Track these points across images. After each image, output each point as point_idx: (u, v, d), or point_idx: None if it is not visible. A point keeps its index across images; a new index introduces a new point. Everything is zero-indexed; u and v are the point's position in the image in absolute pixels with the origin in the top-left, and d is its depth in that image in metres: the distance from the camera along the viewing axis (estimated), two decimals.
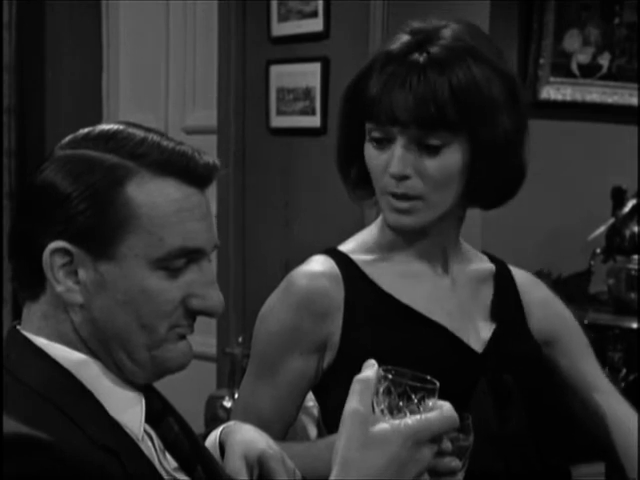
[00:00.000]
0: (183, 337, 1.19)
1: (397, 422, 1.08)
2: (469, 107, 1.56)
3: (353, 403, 1.09)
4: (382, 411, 1.09)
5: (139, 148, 1.15)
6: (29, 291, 1.18)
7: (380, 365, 1.13)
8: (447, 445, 1.32)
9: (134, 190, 1.13)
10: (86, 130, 1.19)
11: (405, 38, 1.60)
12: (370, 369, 1.12)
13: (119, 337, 1.15)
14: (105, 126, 1.19)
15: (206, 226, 1.18)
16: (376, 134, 1.60)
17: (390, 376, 1.11)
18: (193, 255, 1.16)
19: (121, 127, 1.18)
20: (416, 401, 1.09)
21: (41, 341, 1.17)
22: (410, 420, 1.08)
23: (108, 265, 1.13)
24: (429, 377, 1.11)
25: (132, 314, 1.14)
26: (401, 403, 1.09)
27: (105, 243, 1.13)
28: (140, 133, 1.17)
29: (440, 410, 1.09)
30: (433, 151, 1.58)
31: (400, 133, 1.57)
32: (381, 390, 1.10)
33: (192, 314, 1.18)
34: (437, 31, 1.60)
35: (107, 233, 1.13)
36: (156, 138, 1.17)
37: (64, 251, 1.13)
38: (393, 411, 1.09)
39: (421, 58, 1.57)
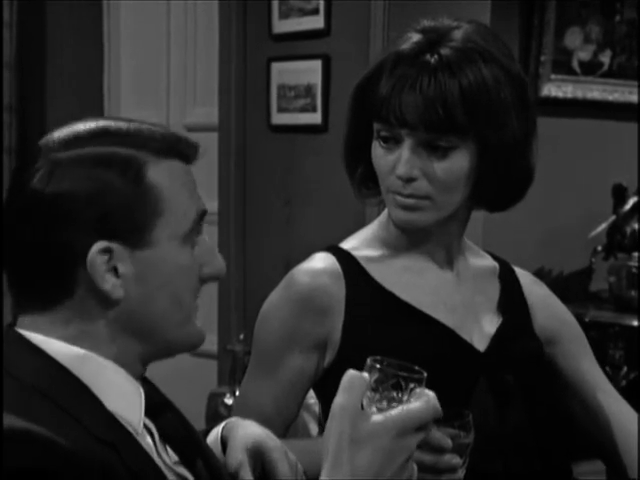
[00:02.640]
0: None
1: (383, 414, 1.09)
2: (478, 110, 1.55)
3: (341, 399, 1.10)
4: (370, 400, 1.10)
5: (137, 138, 1.19)
6: (44, 302, 1.18)
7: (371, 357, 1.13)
8: (447, 442, 1.33)
9: (153, 176, 1.17)
10: (72, 131, 1.19)
11: (416, 37, 1.59)
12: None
13: (156, 322, 1.19)
14: (86, 125, 1.20)
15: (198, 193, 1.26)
16: (384, 134, 1.60)
17: (379, 366, 1.12)
18: (202, 220, 1.23)
19: (104, 123, 1.20)
20: (405, 391, 1.11)
21: (37, 338, 1.16)
22: (394, 411, 1.09)
23: (146, 252, 1.17)
24: (417, 367, 1.12)
25: (170, 295, 1.19)
26: (389, 393, 1.10)
27: (140, 232, 1.16)
28: (125, 125, 1.20)
29: (424, 400, 1.10)
30: (441, 153, 1.57)
31: (408, 135, 1.57)
32: (371, 381, 1.11)
33: (202, 282, 1.25)
34: (449, 32, 1.58)
35: (141, 222, 1.16)
36: (144, 127, 1.21)
37: (104, 250, 1.15)
38: (382, 401, 1.10)
39: (432, 60, 1.55)
